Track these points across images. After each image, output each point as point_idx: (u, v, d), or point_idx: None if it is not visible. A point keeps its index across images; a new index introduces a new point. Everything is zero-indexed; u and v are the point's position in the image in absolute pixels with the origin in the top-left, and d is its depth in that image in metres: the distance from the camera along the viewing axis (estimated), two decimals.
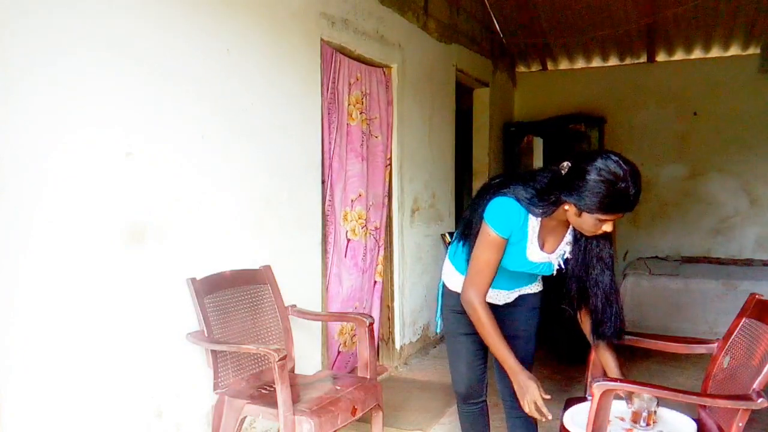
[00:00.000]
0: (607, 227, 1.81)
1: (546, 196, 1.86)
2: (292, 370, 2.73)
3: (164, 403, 2.32)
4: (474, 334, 2.19)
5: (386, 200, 4.09)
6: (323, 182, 3.41)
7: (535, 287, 2.26)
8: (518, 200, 1.91)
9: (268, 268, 2.76)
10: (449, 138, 5.00)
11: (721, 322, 4.38)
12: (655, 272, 5.39)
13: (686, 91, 6.33)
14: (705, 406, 2.08)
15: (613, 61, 6.67)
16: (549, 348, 4.24)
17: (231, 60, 2.64)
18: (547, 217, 1.91)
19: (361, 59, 3.76)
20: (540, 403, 1.82)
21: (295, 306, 2.83)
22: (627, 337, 2.31)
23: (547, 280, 2.24)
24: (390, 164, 4.11)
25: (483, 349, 2.24)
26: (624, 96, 6.54)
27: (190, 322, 2.38)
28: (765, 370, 1.75)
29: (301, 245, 3.16)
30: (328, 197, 3.47)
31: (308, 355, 3.18)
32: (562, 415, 2.09)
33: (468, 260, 2.02)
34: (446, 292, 2.28)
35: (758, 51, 5.98)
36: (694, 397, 1.85)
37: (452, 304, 2.24)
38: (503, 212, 1.91)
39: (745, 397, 1.75)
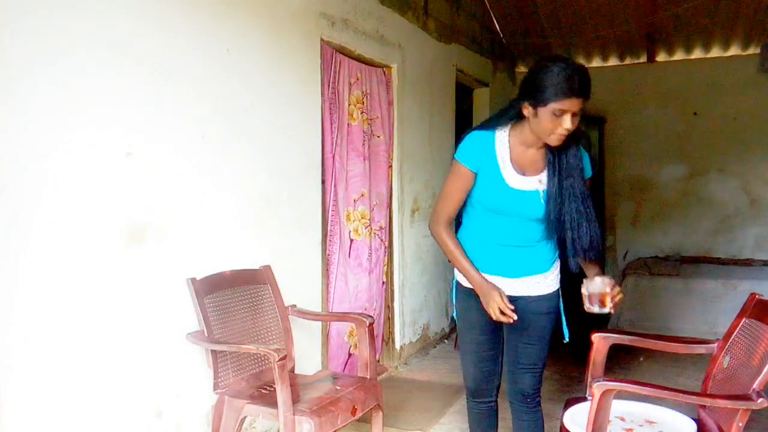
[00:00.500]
0: (566, 121, 1.84)
1: (506, 108, 2.02)
2: (292, 370, 2.73)
3: (164, 403, 2.32)
4: (482, 334, 2.19)
5: (389, 200, 4.10)
6: (323, 182, 3.41)
7: (545, 282, 2.13)
8: (483, 128, 2.06)
9: (268, 268, 2.77)
10: (449, 138, 4.99)
11: (721, 322, 4.37)
12: (655, 272, 5.39)
13: (686, 91, 6.33)
14: (705, 406, 2.08)
15: (613, 61, 6.67)
16: (549, 348, 4.23)
17: (231, 60, 2.64)
18: (513, 129, 2.01)
19: (361, 59, 3.76)
20: (503, 307, 1.97)
21: (295, 306, 2.83)
22: (627, 337, 2.32)
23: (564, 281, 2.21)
24: (392, 164, 4.12)
25: (493, 350, 2.22)
26: (624, 96, 6.54)
27: (190, 322, 2.38)
28: (765, 370, 1.75)
29: (301, 245, 3.16)
30: (332, 197, 3.48)
31: (308, 355, 3.18)
32: (562, 415, 2.09)
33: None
34: (456, 287, 2.27)
35: (758, 51, 5.98)
36: (694, 397, 1.85)
37: (467, 302, 2.21)
38: (465, 143, 2.05)
39: (745, 397, 1.75)
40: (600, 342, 2.23)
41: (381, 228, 3.98)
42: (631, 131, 6.55)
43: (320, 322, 3.33)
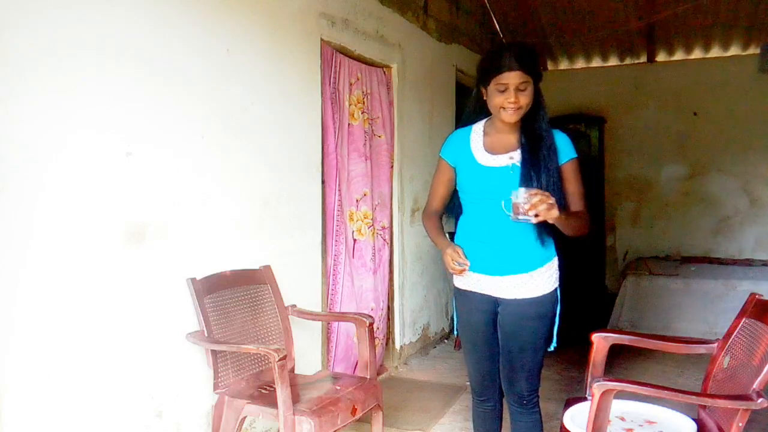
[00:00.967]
0: (510, 94, 1.97)
1: (472, 99, 2.20)
2: (292, 370, 2.73)
3: (164, 403, 2.32)
4: (478, 336, 2.20)
5: (391, 200, 4.11)
6: (323, 182, 3.41)
7: (533, 283, 2.09)
8: (463, 125, 2.25)
9: (268, 268, 2.77)
10: None
11: (721, 322, 4.38)
12: (655, 272, 5.39)
13: (686, 91, 6.33)
14: (705, 406, 2.08)
15: (613, 61, 6.67)
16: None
17: (231, 60, 2.64)
18: (488, 121, 2.15)
19: (361, 59, 3.76)
20: (454, 256, 2.05)
21: (295, 306, 2.83)
22: (627, 337, 2.32)
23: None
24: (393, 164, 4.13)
25: (490, 351, 2.20)
26: (624, 96, 6.54)
27: (190, 322, 2.38)
28: (765, 370, 1.75)
29: (301, 245, 3.16)
30: (336, 197, 3.48)
31: (308, 355, 3.18)
32: (562, 415, 2.09)
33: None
34: (455, 289, 2.28)
35: (758, 51, 5.98)
36: (694, 397, 1.85)
37: (461, 302, 2.24)
38: (446, 140, 2.27)
39: (745, 397, 1.75)
40: (600, 342, 2.23)
41: (384, 228, 3.99)
42: (631, 131, 6.55)
43: (320, 322, 3.34)
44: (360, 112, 3.71)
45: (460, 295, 2.24)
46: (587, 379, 2.23)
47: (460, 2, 5.24)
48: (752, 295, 2.12)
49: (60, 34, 1.92)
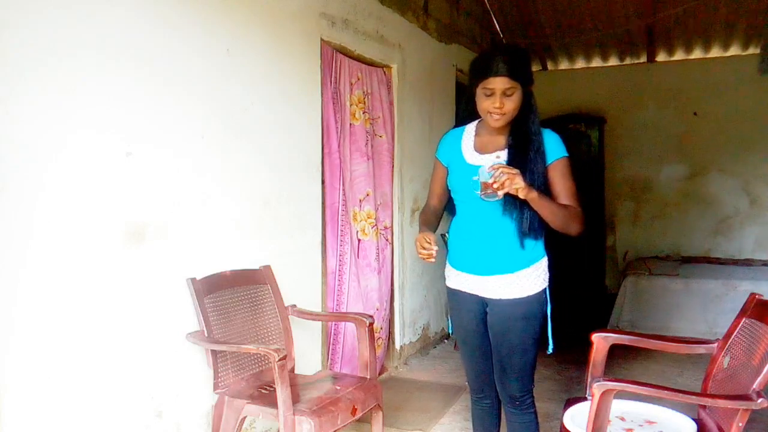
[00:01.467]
0: (495, 100, 1.98)
1: (465, 99, 2.23)
2: (292, 370, 2.73)
3: (164, 403, 2.32)
4: (469, 335, 2.21)
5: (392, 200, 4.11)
6: (323, 182, 3.41)
7: (518, 283, 2.08)
8: (457, 125, 2.28)
9: (268, 268, 2.77)
10: None
11: (721, 322, 4.38)
12: (655, 272, 5.39)
13: (686, 91, 6.33)
14: (705, 406, 2.08)
15: (613, 61, 6.66)
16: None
17: (231, 60, 2.64)
18: (480, 121, 2.15)
19: (361, 59, 3.76)
20: (422, 241, 2.02)
21: (295, 306, 2.83)
22: (627, 337, 2.32)
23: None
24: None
25: (482, 350, 2.21)
26: (624, 96, 6.54)
27: (190, 322, 2.38)
28: (765, 370, 1.75)
29: (301, 245, 3.16)
30: (340, 197, 3.48)
31: (308, 355, 3.18)
32: (562, 415, 2.09)
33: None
34: (447, 288, 2.30)
35: (758, 51, 5.98)
36: (694, 397, 1.85)
37: (452, 302, 2.26)
38: (440, 141, 2.29)
39: (745, 397, 1.75)
40: (600, 342, 2.23)
41: (386, 228, 4.00)
42: (631, 131, 6.54)
43: (320, 322, 3.34)
44: (361, 112, 3.71)
45: (452, 294, 2.26)
46: (587, 379, 2.23)
47: (460, 2, 5.24)
48: (752, 295, 2.11)
49: (60, 34, 1.92)
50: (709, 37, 6.05)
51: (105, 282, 2.08)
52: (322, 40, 3.30)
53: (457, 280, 2.21)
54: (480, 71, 2.00)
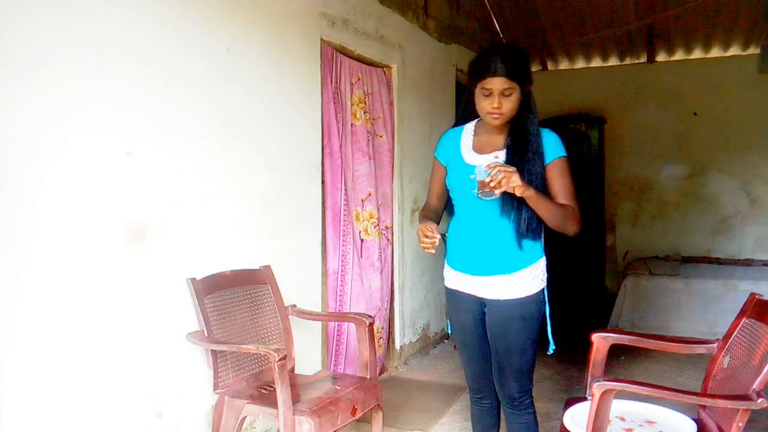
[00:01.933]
0: (493, 100, 1.97)
1: (464, 98, 2.19)
2: (292, 370, 2.73)
3: (164, 403, 2.32)
4: (467, 335, 2.22)
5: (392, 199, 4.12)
6: (330, 182, 3.42)
7: (516, 284, 2.07)
8: (456, 125, 2.26)
9: (268, 268, 2.77)
10: None
11: (721, 322, 4.38)
12: (655, 272, 5.39)
13: (686, 91, 6.33)
14: (705, 406, 2.08)
15: (613, 61, 6.66)
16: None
17: (231, 60, 2.64)
18: (479, 120, 2.15)
19: (361, 59, 3.76)
20: (424, 230, 2.00)
21: (295, 306, 2.83)
22: (627, 337, 2.32)
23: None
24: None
25: (481, 350, 2.21)
26: (624, 96, 6.54)
27: (190, 322, 2.38)
28: (765, 370, 1.75)
29: (301, 245, 3.16)
30: (342, 197, 3.49)
31: (308, 355, 3.18)
32: (562, 415, 2.09)
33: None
34: (445, 288, 2.30)
35: (758, 51, 5.97)
36: (694, 397, 1.85)
37: (451, 302, 2.26)
38: (439, 140, 2.28)
39: (745, 397, 1.75)
40: (600, 342, 2.23)
41: (387, 228, 4.00)
42: (631, 131, 6.54)
43: (320, 322, 3.34)
44: (362, 112, 3.71)
45: (450, 294, 2.26)
46: (587, 379, 2.23)
47: (460, 2, 5.24)
48: (752, 295, 2.11)
49: (60, 34, 1.92)
50: (709, 37, 6.05)
51: (105, 282, 2.08)
52: (322, 40, 3.30)
53: (456, 280, 2.21)
54: (478, 71, 2.00)
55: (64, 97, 1.94)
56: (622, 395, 1.84)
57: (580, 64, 6.81)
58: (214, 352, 2.37)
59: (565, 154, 2.08)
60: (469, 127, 2.21)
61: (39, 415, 1.89)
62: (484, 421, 2.32)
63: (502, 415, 2.28)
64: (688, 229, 6.42)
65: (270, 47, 2.89)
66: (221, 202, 2.60)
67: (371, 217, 3.78)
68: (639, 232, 6.61)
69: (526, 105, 2.06)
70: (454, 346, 4.65)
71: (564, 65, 6.88)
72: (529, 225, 2.03)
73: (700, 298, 5.03)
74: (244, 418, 2.36)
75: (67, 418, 1.97)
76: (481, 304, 2.16)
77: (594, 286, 6.52)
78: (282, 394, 2.15)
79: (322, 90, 3.32)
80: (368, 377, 2.60)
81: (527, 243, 2.08)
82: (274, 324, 2.71)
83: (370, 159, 3.76)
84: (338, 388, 2.49)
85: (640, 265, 5.66)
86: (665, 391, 1.80)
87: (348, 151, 3.57)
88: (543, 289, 2.13)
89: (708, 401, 2.01)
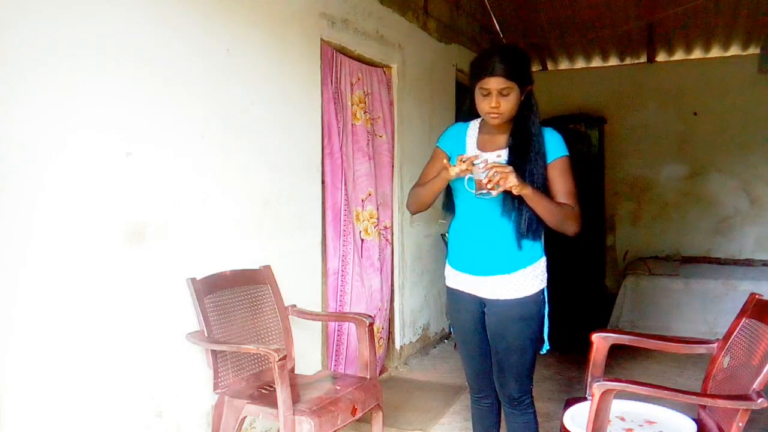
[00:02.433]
0: (491, 100, 1.98)
1: (469, 97, 2.16)
2: (292, 370, 2.73)
3: (164, 403, 2.32)
4: (467, 335, 2.22)
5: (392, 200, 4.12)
6: (330, 182, 3.42)
7: (515, 284, 2.07)
8: (463, 120, 2.26)
9: (268, 268, 2.77)
10: None
11: (721, 322, 4.38)
12: (655, 272, 5.39)
13: (686, 91, 6.33)
14: (705, 406, 2.08)
15: (613, 61, 6.66)
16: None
17: (231, 60, 2.64)
18: (475, 112, 2.13)
19: (361, 59, 3.76)
20: (447, 165, 1.99)
21: (295, 306, 2.83)
22: (627, 337, 2.32)
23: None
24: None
25: (481, 349, 2.21)
26: (624, 96, 6.54)
27: (190, 322, 2.38)
28: (765, 370, 1.75)
29: (301, 245, 3.16)
30: (343, 197, 3.49)
31: (308, 355, 3.18)
32: (562, 415, 2.09)
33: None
34: (446, 288, 2.30)
35: (758, 51, 5.98)
36: (694, 397, 1.85)
37: (451, 301, 2.27)
38: (445, 131, 2.28)
39: (745, 397, 1.75)
40: (600, 342, 2.23)
41: (386, 228, 4.00)
42: (631, 131, 6.54)
43: (320, 322, 3.34)
44: (362, 112, 3.71)
45: (451, 293, 2.26)
46: (587, 379, 2.23)
47: (460, 2, 5.24)
48: (752, 295, 2.11)
49: (60, 34, 1.92)
50: (709, 37, 6.05)
51: (105, 282, 2.08)
52: (322, 40, 3.30)
53: (456, 280, 2.21)
54: (477, 71, 2.01)
55: (64, 97, 1.94)
56: (622, 395, 1.84)
57: (580, 64, 6.81)
58: (214, 352, 2.37)
59: (567, 153, 2.08)
60: (474, 125, 2.21)
61: (39, 415, 1.89)
62: (485, 421, 2.32)
63: (503, 415, 2.28)
64: (688, 229, 6.42)
65: (270, 47, 2.89)
66: (221, 202, 2.60)
67: (371, 217, 3.78)
68: (639, 232, 6.61)
69: (527, 105, 2.07)
70: (455, 346, 4.66)
71: (564, 65, 6.88)
72: (530, 225, 2.04)
73: (700, 298, 5.03)
74: (244, 418, 2.36)
75: (67, 418, 1.97)
76: (482, 303, 2.16)
77: (594, 286, 6.52)
78: (282, 394, 2.15)
79: (322, 90, 3.32)
80: (368, 377, 2.60)
81: (527, 243, 2.08)
82: (274, 324, 2.71)
83: (370, 159, 3.76)
84: (338, 388, 2.49)
85: (640, 265, 5.66)
86: (665, 391, 1.79)
87: (348, 151, 3.58)
88: (543, 289, 2.13)
89: (708, 401, 2.00)
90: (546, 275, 2.15)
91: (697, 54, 6.34)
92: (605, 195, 6.65)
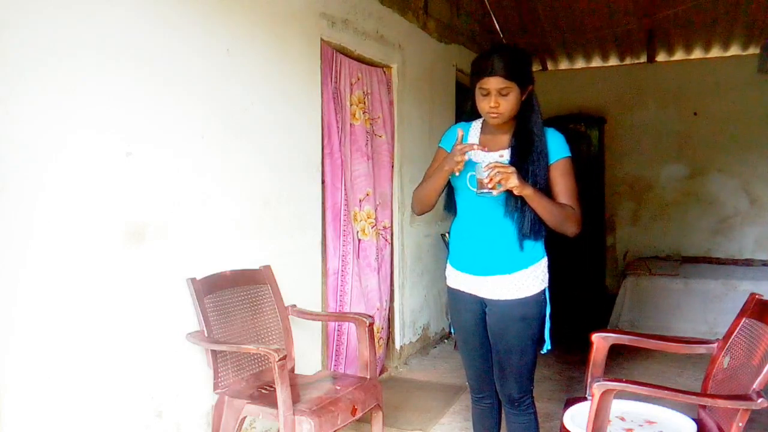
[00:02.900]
0: (491, 99, 1.99)
1: (470, 97, 2.16)
2: (292, 370, 2.73)
3: (164, 403, 2.32)
4: (468, 335, 2.22)
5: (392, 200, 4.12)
6: (329, 182, 3.42)
7: (514, 284, 2.07)
8: (466, 120, 2.26)
9: (268, 268, 2.77)
10: None
11: (721, 322, 4.38)
12: (655, 272, 5.39)
13: (686, 91, 6.33)
14: (705, 406, 2.08)
15: (613, 61, 6.66)
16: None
17: (231, 60, 2.64)
18: (475, 112, 2.13)
19: (361, 59, 3.76)
20: (452, 155, 1.98)
21: (295, 306, 2.83)
22: (627, 337, 2.32)
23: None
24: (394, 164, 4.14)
25: (482, 350, 2.21)
26: (624, 96, 6.54)
27: (190, 322, 2.38)
28: (765, 370, 1.75)
29: (301, 245, 3.16)
30: (342, 197, 3.49)
31: (308, 355, 3.18)
32: (562, 415, 2.09)
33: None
34: (447, 287, 2.30)
35: (758, 51, 5.97)
36: (694, 397, 1.85)
37: (452, 301, 2.27)
38: (447, 132, 2.27)
39: (745, 397, 1.75)
40: (600, 342, 2.23)
41: (385, 228, 4.00)
42: (631, 131, 6.54)
43: (320, 322, 3.34)
44: (361, 112, 3.71)
45: (452, 294, 2.26)
46: (587, 379, 2.23)
47: (460, 2, 5.24)
48: (752, 295, 2.11)
49: (60, 34, 1.92)
50: (709, 37, 6.05)
51: (105, 282, 2.08)
52: (322, 40, 3.30)
53: (457, 280, 2.21)
54: (477, 71, 2.02)
55: (64, 97, 1.94)
56: (622, 395, 1.84)
57: (580, 64, 6.81)
58: (214, 352, 2.37)
59: (569, 154, 2.09)
60: (476, 124, 2.22)
61: (39, 415, 1.89)
62: (485, 421, 2.32)
63: (503, 416, 2.28)
64: (688, 229, 6.42)
65: (270, 47, 2.89)
66: (221, 202, 2.60)
67: (368, 217, 3.78)
68: (639, 232, 6.61)
69: (528, 106, 2.07)
70: (455, 346, 4.66)
71: (564, 65, 6.88)
72: (532, 227, 2.04)
73: (700, 298, 5.03)
74: (244, 418, 2.36)
75: (67, 418, 1.97)
76: (482, 303, 2.16)
77: (594, 286, 6.52)
78: (282, 394, 2.15)
79: (322, 90, 3.32)
80: (368, 377, 2.60)
81: (528, 243, 2.08)
82: (274, 324, 2.71)
83: (368, 159, 3.76)
84: (338, 388, 2.49)
85: (640, 265, 5.66)
86: (665, 391, 1.79)
87: (347, 151, 3.58)
88: (544, 289, 2.13)
89: (708, 401, 2.00)
90: (547, 275, 2.15)
91: (697, 54, 6.35)
92: (605, 195, 6.65)
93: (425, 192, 2.17)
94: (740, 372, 1.94)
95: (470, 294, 2.17)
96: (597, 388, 1.74)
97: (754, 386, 1.76)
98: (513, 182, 1.87)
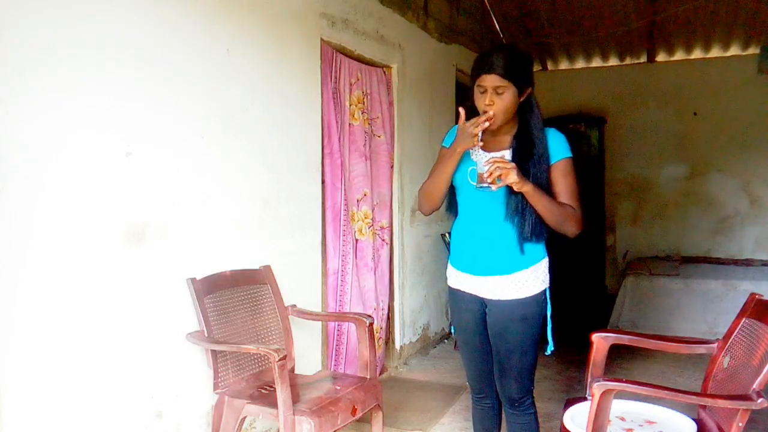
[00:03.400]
0: (485, 99, 1.99)
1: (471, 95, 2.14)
2: (292, 370, 2.73)
3: (164, 403, 2.32)
4: (470, 335, 2.22)
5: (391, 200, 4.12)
6: (329, 182, 3.42)
7: (514, 284, 2.07)
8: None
9: (268, 268, 2.77)
10: None
11: (721, 322, 4.38)
12: (655, 272, 5.39)
13: (686, 91, 6.33)
14: (705, 406, 2.08)
15: (613, 61, 6.67)
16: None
17: (231, 60, 2.64)
18: (476, 111, 2.08)
19: (361, 59, 3.76)
20: (474, 127, 1.97)
21: (295, 306, 2.83)
22: (627, 337, 2.32)
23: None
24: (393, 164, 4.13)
25: (483, 350, 2.21)
26: (624, 96, 6.54)
27: (190, 322, 2.38)
28: (765, 370, 1.75)
29: (301, 245, 3.16)
30: (342, 197, 3.49)
31: (308, 355, 3.18)
32: (562, 415, 2.09)
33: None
34: (448, 287, 2.30)
35: (758, 51, 5.98)
36: (694, 397, 1.85)
37: (453, 301, 2.27)
38: (449, 131, 2.27)
39: (745, 397, 1.75)
40: (600, 342, 2.23)
41: (383, 228, 4.00)
42: (631, 131, 6.55)
43: (320, 322, 3.34)
44: (360, 112, 3.71)
45: (452, 294, 2.26)
46: (587, 379, 2.23)
47: (460, 2, 5.24)
48: (752, 295, 2.11)
49: (60, 34, 1.92)
50: (709, 37, 6.05)
51: (105, 282, 2.08)
52: (322, 40, 3.30)
53: (458, 280, 2.21)
54: (475, 69, 2.04)
55: (64, 97, 1.94)
56: (622, 395, 1.84)
57: (580, 64, 6.81)
58: (214, 352, 2.37)
59: (570, 155, 2.09)
60: None
61: (39, 415, 1.89)
62: (486, 422, 2.32)
63: (503, 416, 2.28)
64: (688, 229, 6.42)
65: (270, 47, 2.89)
66: (221, 202, 2.60)
67: (366, 217, 3.79)
68: (639, 232, 6.62)
69: (528, 106, 2.07)
70: (455, 346, 4.66)
71: (564, 65, 6.88)
72: (534, 229, 2.04)
73: (700, 298, 5.03)
74: (244, 418, 2.36)
75: (67, 418, 1.97)
76: (483, 304, 2.16)
77: (594, 286, 6.53)
78: (282, 394, 2.15)
79: (322, 90, 3.32)
80: (368, 377, 2.60)
81: (529, 245, 2.08)
82: (274, 324, 2.71)
83: (366, 159, 3.76)
84: (338, 388, 2.49)
85: (640, 265, 5.66)
86: (665, 391, 1.79)
87: (346, 151, 3.58)
88: (545, 289, 2.13)
89: (708, 401, 2.00)
90: (548, 276, 2.15)
91: (697, 54, 6.35)
92: (605, 195, 6.65)
93: (435, 183, 2.14)
94: (740, 372, 1.94)
95: (471, 294, 2.17)
96: (597, 388, 1.74)
97: (754, 386, 1.76)
98: (512, 178, 1.88)
